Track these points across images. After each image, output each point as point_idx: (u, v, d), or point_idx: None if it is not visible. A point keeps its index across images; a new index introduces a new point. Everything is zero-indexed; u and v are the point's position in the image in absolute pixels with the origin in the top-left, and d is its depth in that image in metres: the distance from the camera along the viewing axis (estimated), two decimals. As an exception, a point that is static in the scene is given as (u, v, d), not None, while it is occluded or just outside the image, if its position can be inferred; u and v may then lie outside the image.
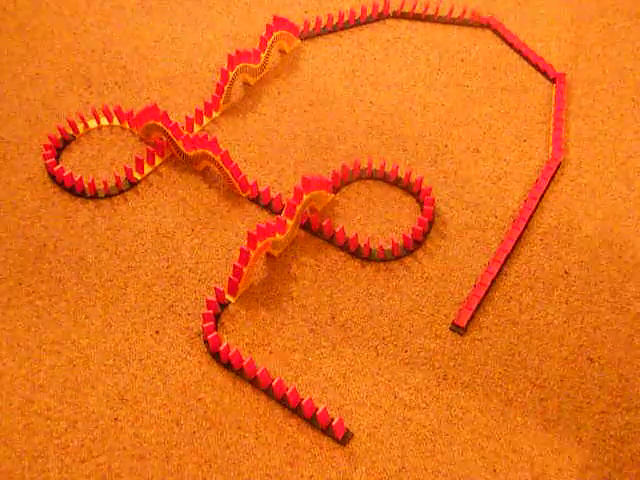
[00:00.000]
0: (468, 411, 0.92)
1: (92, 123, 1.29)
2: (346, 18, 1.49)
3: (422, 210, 1.13)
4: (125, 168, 1.18)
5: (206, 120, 1.29)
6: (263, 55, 1.35)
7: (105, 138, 1.28)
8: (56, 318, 1.03)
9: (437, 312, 1.02)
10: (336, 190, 1.18)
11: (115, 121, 1.29)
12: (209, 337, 0.96)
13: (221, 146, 1.25)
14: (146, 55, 1.44)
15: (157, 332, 1.01)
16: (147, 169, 1.21)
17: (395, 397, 0.94)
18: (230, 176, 1.15)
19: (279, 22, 1.36)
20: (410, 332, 1.01)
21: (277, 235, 1.06)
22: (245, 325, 1.02)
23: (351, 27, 1.48)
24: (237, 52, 1.27)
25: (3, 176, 1.22)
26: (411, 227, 1.11)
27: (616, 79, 1.37)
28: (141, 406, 0.94)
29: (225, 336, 1.01)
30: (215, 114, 1.30)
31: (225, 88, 1.29)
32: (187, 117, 1.25)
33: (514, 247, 1.09)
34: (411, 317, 1.02)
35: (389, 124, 1.29)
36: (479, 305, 1.02)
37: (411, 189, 1.17)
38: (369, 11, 1.50)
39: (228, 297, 1.04)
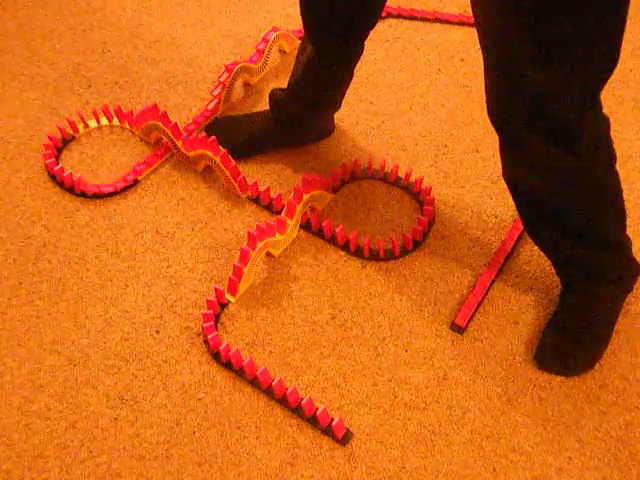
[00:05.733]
0: (468, 411, 0.92)
1: (92, 123, 1.29)
2: None
3: (422, 210, 1.13)
4: (125, 168, 1.18)
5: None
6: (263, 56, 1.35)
7: (105, 138, 1.28)
8: (56, 318, 1.03)
9: (437, 312, 1.02)
10: (336, 190, 1.18)
11: (115, 121, 1.29)
12: (209, 337, 0.96)
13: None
14: (146, 55, 1.44)
15: (157, 332, 1.01)
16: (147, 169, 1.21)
17: (395, 397, 0.94)
18: (229, 177, 1.14)
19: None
20: (410, 332, 1.00)
21: (277, 235, 1.06)
22: (245, 325, 1.02)
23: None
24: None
25: (3, 176, 1.22)
26: (411, 227, 1.11)
27: (616, 79, 1.37)
28: (141, 406, 0.94)
29: (225, 336, 1.01)
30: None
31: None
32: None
33: (514, 247, 1.09)
34: (411, 317, 1.02)
35: (389, 124, 1.29)
36: (479, 305, 1.02)
37: (411, 189, 1.17)
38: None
39: (228, 297, 1.04)
